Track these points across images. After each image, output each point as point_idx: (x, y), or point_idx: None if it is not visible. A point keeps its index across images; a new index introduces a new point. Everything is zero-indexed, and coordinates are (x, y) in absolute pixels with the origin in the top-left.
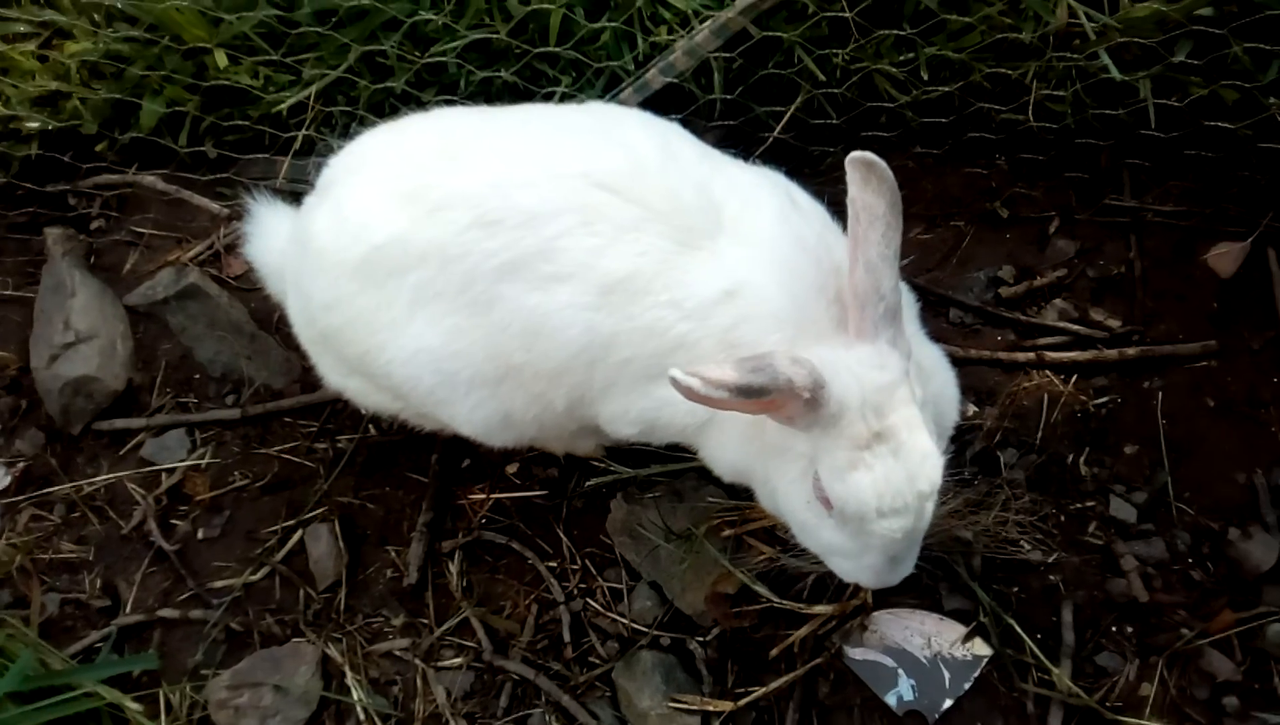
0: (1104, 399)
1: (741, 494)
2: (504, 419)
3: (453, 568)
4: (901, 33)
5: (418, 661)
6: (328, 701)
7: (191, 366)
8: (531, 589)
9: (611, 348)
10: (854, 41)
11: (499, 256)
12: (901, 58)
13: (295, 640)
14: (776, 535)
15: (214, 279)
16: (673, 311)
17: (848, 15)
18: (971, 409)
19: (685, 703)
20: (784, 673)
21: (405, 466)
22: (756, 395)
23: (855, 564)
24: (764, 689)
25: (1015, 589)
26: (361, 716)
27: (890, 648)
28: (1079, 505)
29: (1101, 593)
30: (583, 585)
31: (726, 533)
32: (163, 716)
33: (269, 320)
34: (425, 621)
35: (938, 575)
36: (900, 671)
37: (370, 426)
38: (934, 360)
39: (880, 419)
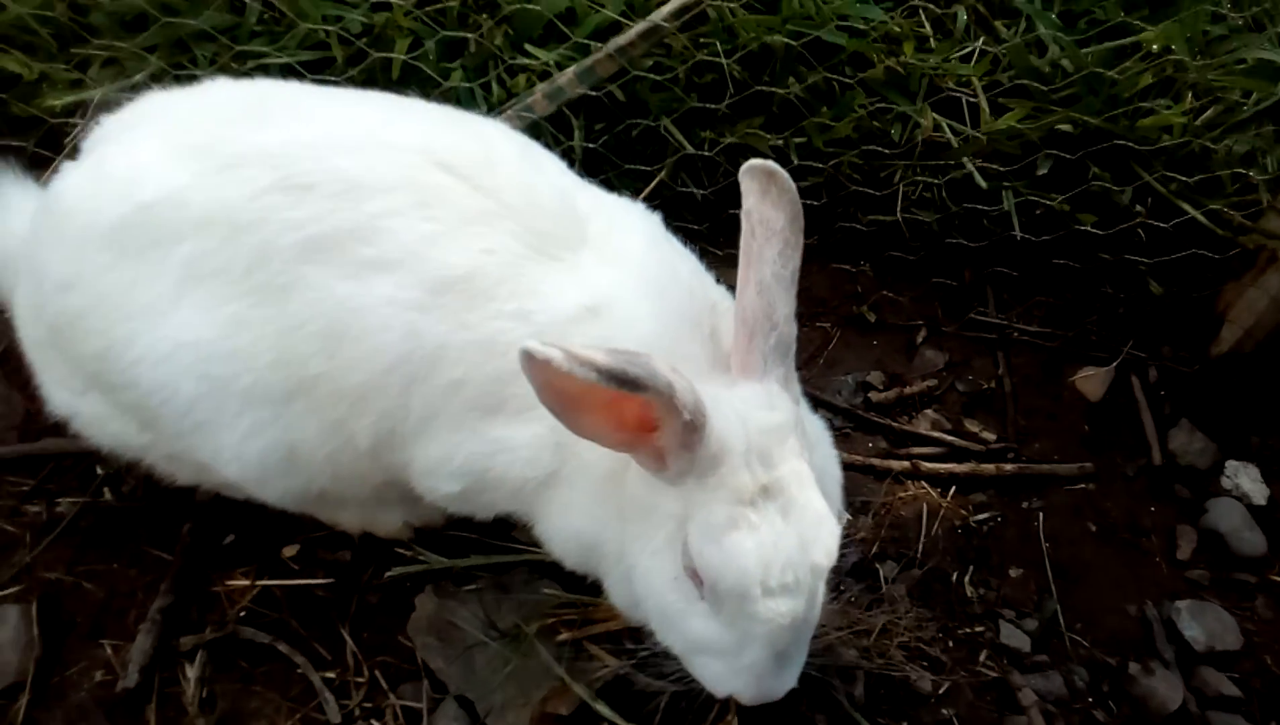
0: (984, 515)
1: (584, 589)
2: (286, 455)
3: (190, 672)
4: (773, 113)
5: None
6: None
7: None
8: (298, 706)
9: (438, 364)
10: (723, 115)
11: (304, 230)
12: (771, 141)
13: None
14: (625, 644)
15: None
16: (519, 324)
17: (716, 107)
18: (845, 517)
19: None
20: None
21: (145, 540)
22: (629, 387)
23: (730, 665)
24: None
25: (904, 723)
26: None
27: None
28: (968, 630)
29: None
30: (368, 704)
31: (563, 636)
32: None
33: None
34: None
35: (813, 705)
36: None
37: (106, 489)
38: (817, 430)
39: (768, 469)
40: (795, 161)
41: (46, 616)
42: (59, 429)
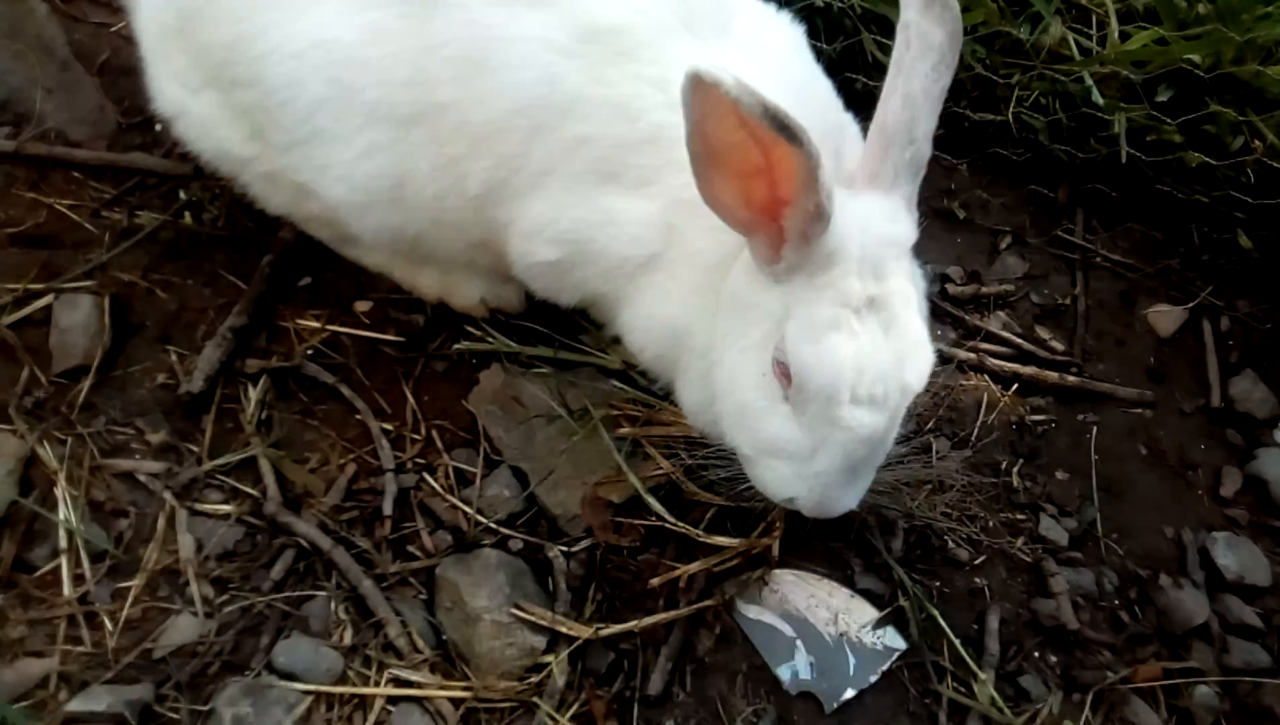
0: (1040, 417)
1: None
2: (395, 184)
3: (252, 393)
4: None
5: (167, 495)
6: (19, 515)
7: None
8: (353, 448)
9: (568, 116)
10: None
11: None
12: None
13: None
14: (680, 454)
15: None
16: (656, 92)
17: None
18: None
19: (533, 615)
20: (660, 611)
21: (222, 264)
22: (787, 135)
23: (798, 470)
24: (633, 623)
25: (937, 583)
26: (61, 543)
27: (791, 614)
28: (1009, 515)
29: (1028, 611)
30: (421, 460)
31: (624, 430)
32: None
33: (92, 58)
34: (194, 448)
35: (850, 547)
36: (799, 644)
37: (187, 213)
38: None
39: (879, 281)
40: None
41: (117, 313)
42: (147, 147)
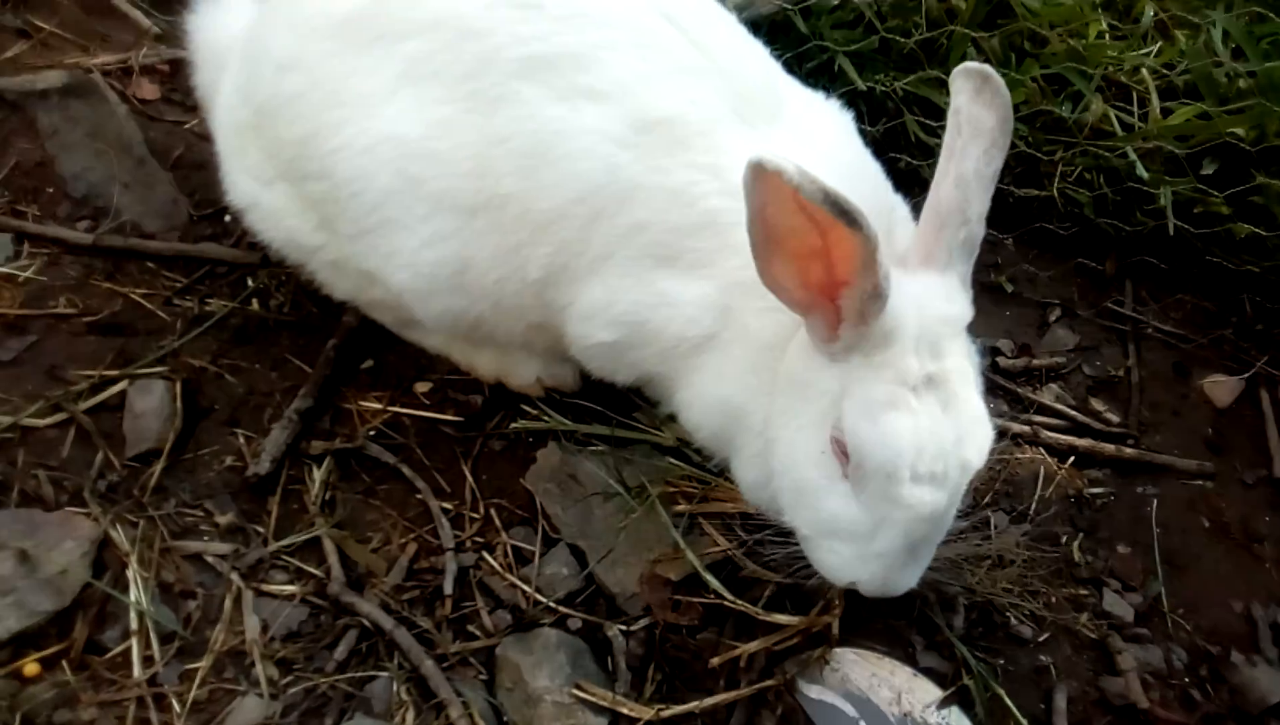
0: (1099, 490)
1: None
2: (458, 270)
3: (317, 474)
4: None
5: (235, 577)
6: (92, 597)
7: (47, 176)
8: (414, 527)
9: (626, 203)
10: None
11: (528, 46)
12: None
13: (69, 509)
14: (737, 531)
15: (117, 93)
16: (710, 179)
17: (904, 43)
18: None
19: (594, 695)
20: (721, 691)
21: (288, 348)
22: (847, 220)
23: (859, 551)
24: (694, 704)
25: (1001, 661)
26: (133, 625)
27: (853, 694)
28: (1072, 591)
29: (1096, 689)
30: (480, 539)
31: (681, 507)
32: None
33: (167, 154)
34: (261, 530)
35: (912, 626)
36: (862, 723)
37: (254, 300)
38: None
39: (936, 360)
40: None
41: (188, 398)
42: (217, 237)
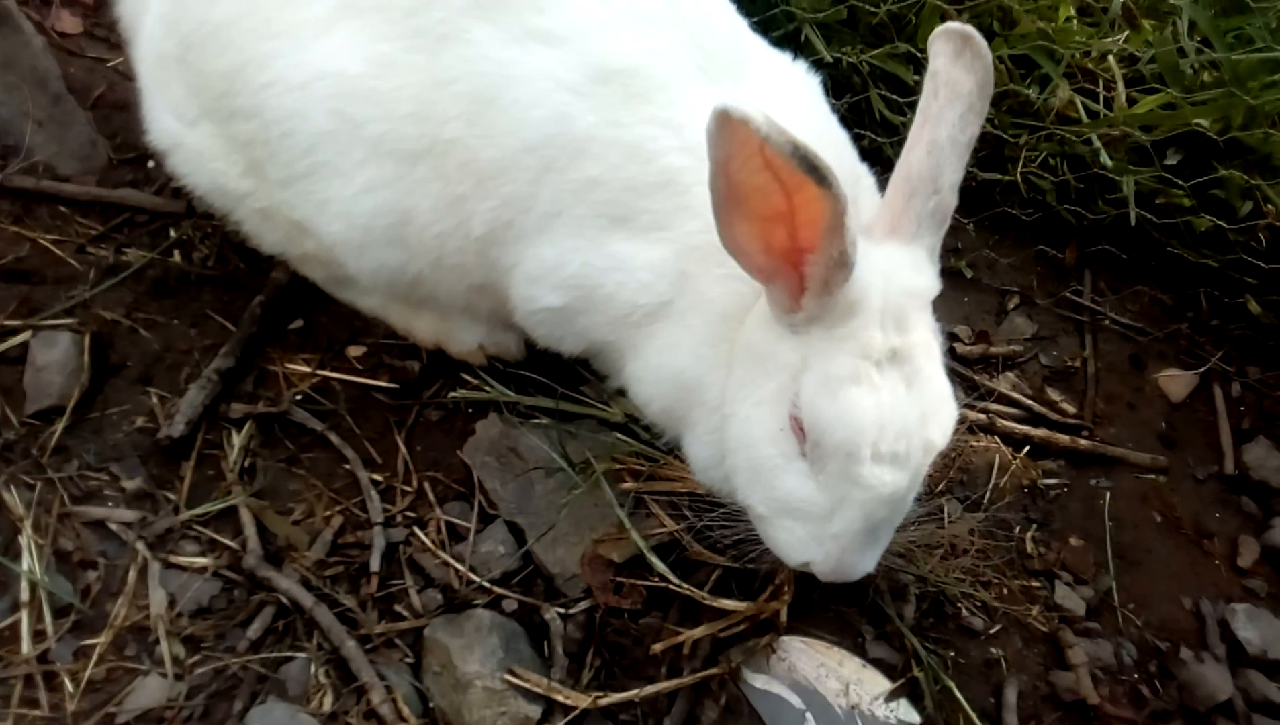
0: (1053, 481)
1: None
2: (397, 221)
3: (236, 439)
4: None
5: (140, 546)
6: None
7: None
8: (340, 499)
9: (578, 157)
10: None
11: None
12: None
13: None
14: (685, 512)
15: (34, 23)
16: (670, 136)
17: (875, 12)
18: None
19: (528, 682)
20: (663, 679)
21: (210, 304)
22: (816, 176)
23: (815, 531)
24: (634, 692)
25: (952, 653)
26: (23, 596)
27: (800, 684)
28: (1024, 583)
29: (1046, 684)
30: (411, 514)
31: (627, 485)
32: None
33: (87, 92)
34: (172, 497)
35: (863, 615)
36: (809, 716)
37: (176, 252)
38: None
39: (901, 333)
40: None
41: (98, 352)
42: (139, 184)
